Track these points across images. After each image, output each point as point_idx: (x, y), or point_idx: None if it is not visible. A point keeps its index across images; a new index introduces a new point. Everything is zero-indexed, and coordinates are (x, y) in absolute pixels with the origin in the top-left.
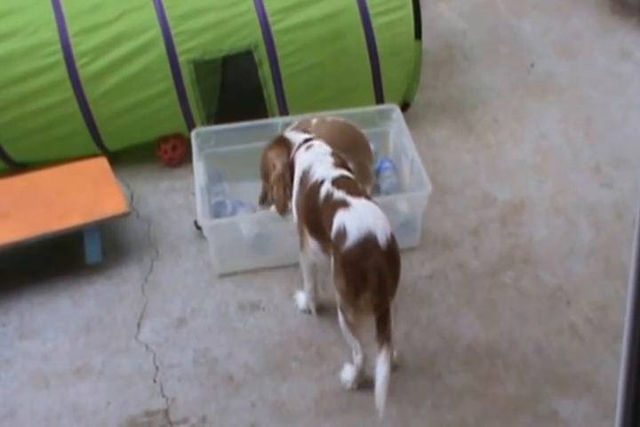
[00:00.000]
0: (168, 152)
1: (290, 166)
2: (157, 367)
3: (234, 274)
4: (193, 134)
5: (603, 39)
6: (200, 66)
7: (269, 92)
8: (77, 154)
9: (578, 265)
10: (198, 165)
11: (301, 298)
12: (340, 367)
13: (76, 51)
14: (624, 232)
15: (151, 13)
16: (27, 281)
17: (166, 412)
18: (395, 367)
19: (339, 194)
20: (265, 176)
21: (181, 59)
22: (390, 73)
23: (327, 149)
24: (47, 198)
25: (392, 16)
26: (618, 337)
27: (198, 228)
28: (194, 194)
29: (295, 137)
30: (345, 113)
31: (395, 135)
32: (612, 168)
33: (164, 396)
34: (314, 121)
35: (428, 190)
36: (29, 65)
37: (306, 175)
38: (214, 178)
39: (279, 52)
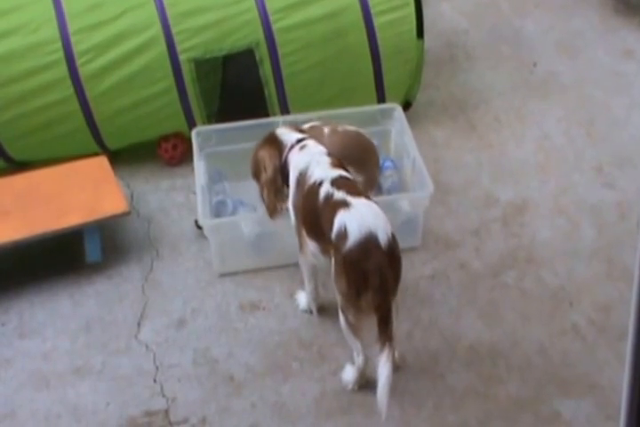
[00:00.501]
0: (168, 151)
1: (282, 168)
2: (157, 367)
3: (234, 274)
4: (193, 133)
5: (606, 38)
6: (201, 64)
7: (270, 90)
8: (77, 153)
9: (580, 266)
10: (199, 164)
11: (302, 298)
12: (341, 368)
13: (76, 49)
14: (627, 233)
15: (152, 11)
16: (26, 280)
17: (166, 412)
18: (396, 368)
19: (339, 194)
20: (255, 175)
21: (182, 57)
22: (392, 72)
23: (322, 148)
24: (47, 197)
25: (394, 15)
26: (621, 338)
27: (199, 227)
28: (194, 193)
29: (287, 137)
30: (346, 112)
31: (396, 134)
32: (614, 168)
33: (164, 396)
34: (326, 130)
35: (430, 190)
36: (30, 63)
37: (303, 176)
38: (215, 177)
39: (280, 51)
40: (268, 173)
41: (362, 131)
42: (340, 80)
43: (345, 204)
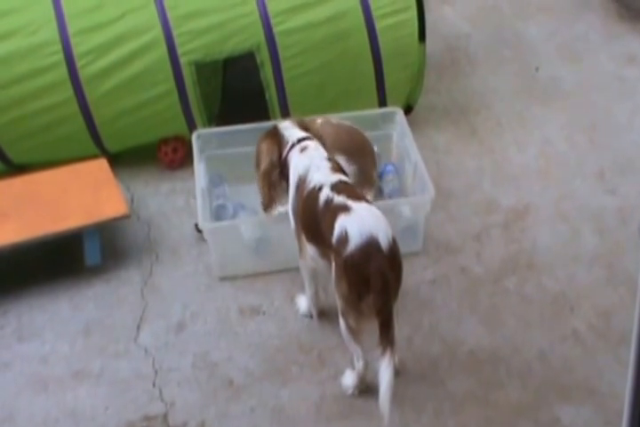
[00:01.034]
0: (169, 154)
1: (282, 165)
2: (156, 371)
3: (234, 278)
4: (194, 136)
5: (609, 44)
6: (201, 67)
7: (271, 94)
8: (77, 155)
9: (581, 271)
10: (199, 167)
11: (303, 302)
12: (340, 372)
13: (76, 51)
14: (628, 239)
15: (152, 14)
16: (25, 283)
17: (165, 416)
18: (396, 373)
19: (339, 199)
20: (256, 167)
21: (183, 60)
22: (393, 76)
23: (322, 152)
24: (47, 200)
25: (396, 18)
26: (621, 344)
27: (199, 231)
28: (194, 197)
29: (289, 133)
30: (348, 116)
31: (398, 139)
32: (616, 174)
33: (162, 400)
34: (319, 121)
35: (431, 194)
36: (29, 65)
37: (302, 181)
38: (215, 180)
39: (281, 55)
40: (262, 166)
41: (354, 125)
42: (341, 84)
43: (345, 208)
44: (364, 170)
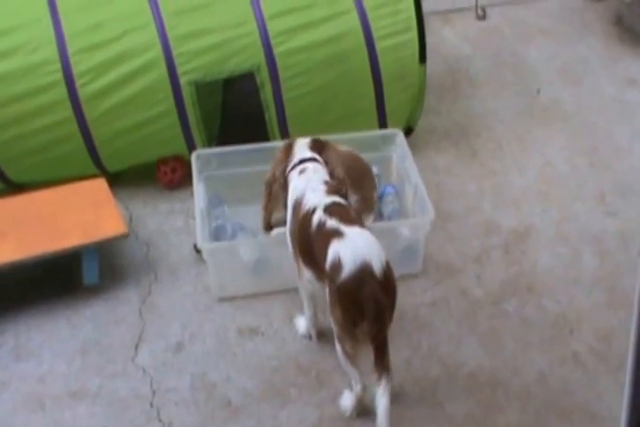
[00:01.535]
0: (167, 174)
1: (284, 180)
2: (154, 391)
3: (233, 298)
4: (193, 156)
5: (609, 66)
6: (201, 87)
7: (271, 115)
8: (76, 175)
9: (582, 294)
10: (198, 187)
11: (302, 323)
12: (339, 394)
13: (76, 70)
14: (628, 261)
15: (152, 33)
16: (23, 302)
17: None
18: (394, 396)
19: (331, 223)
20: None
21: (182, 80)
22: (394, 97)
23: (322, 175)
24: (45, 219)
25: (396, 39)
26: (621, 367)
27: (198, 251)
28: (193, 218)
29: (298, 150)
30: (348, 137)
31: (398, 160)
32: (616, 197)
33: (160, 420)
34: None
35: (431, 216)
36: (29, 84)
37: (298, 204)
38: (214, 201)
39: (281, 75)
40: (266, 176)
41: (355, 152)
42: (341, 105)
43: (338, 233)
44: (365, 197)
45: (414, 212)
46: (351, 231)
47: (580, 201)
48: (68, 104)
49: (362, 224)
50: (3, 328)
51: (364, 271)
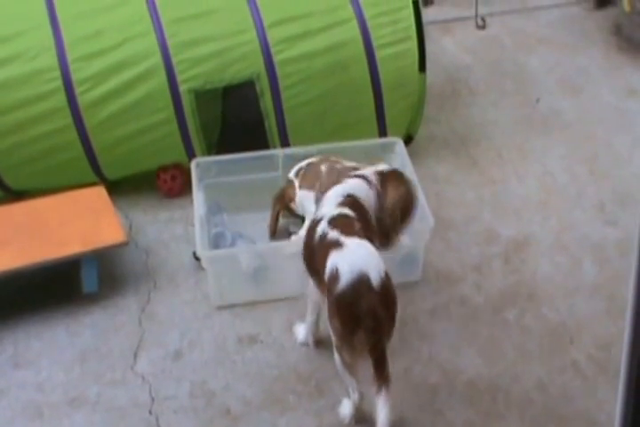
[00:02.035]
0: (167, 182)
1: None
2: (153, 399)
3: (232, 306)
4: (193, 164)
5: (609, 76)
6: (201, 95)
7: (271, 123)
8: (76, 182)
9: (581, 302)
10: (198, 195)
11: (301, 330)
12: (338, 402)
13: (75, 77)
14: (628, 270)
15: (152, 41)
16: (22, 310)
17: None
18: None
19: (333, 234)
20: None
21: (182, 88)
22: (394, 106)
23: (348, 188)
24: (45, 226)
25: (396, 48)
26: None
27: (197, 259)
28: (193, 225)
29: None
30: (347, 146)
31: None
32: (616, 206)
33: None
34: (323, 169)
35: (430, 224)
36: (28, 91)
37: (315, 213)
38: (214, 209)
39: (281, 84)
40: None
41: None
42: (341, 113)
43: (337, 244)
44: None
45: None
46: (350, 243)
47: (580, 210)
48: (67, 112)
49: (363, 236)
50: (1, 336)
51: (361, 283)
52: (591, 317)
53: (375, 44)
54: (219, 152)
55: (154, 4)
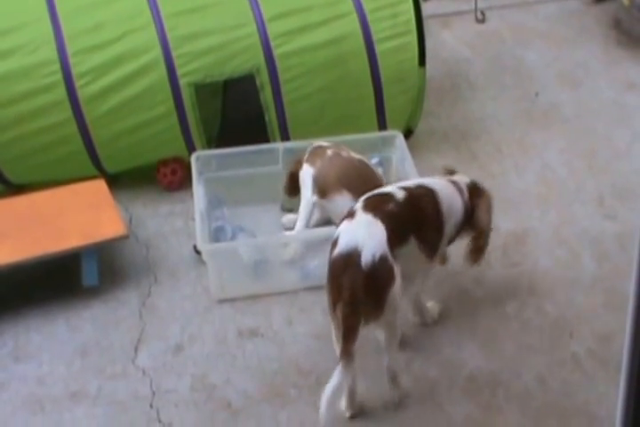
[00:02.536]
0: (167, 176)
1: None
2: (154, 393)
3: (233, 300)
4: (193, 158)
5: (608, 70)
6: (201, 89)
7: (271, 116)
8: (75, 176)
9: (581, 296)
10: (198, 189)
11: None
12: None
13: (75, 71)
14: (627, 264)
15: (152, 34)
16: (22, 304)
17: None
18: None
19: (358, 205)
20: None
21: (182, 81)
22: (393, 99)
23: (420, 181)
24: (45, 220)
25: (396, 42)
26: (620, 369)
27: (197, 252)
28: (193, 219)
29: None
30: (347, 139)
31: (397, 162)
32: (615, 199)
33: (160, 421)
34: (329, 152)
35: None
36: (28, 84)
37: None
38: (214, 202)
39: (281, 77)
40: None
41: (368, 161)
42: (341, 107)
43: (352, 215)
44: None
45: None
46: (362, 217)
47: (579, 204)
48: (67, 105)
49: (380, 214)
50: (2, 330)
51: (350, 257)
52: (591, 310)
53: (375, 37)
54: (219, 146)
55: None
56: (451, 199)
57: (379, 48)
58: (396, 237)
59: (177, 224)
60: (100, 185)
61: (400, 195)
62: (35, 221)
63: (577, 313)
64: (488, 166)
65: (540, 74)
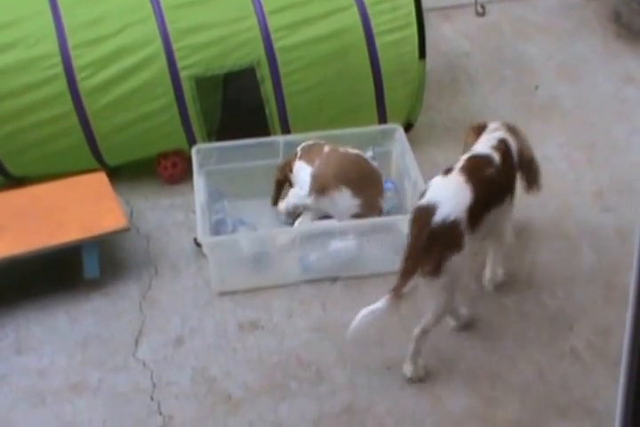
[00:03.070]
0: (168, 169)
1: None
2: (155, 385)
3: (233, 292)
4: (194, 151)
5: (608, 63)
6: (202, 82)
7: (271, 109)
8: (76, 168)
9: (580, 289)
10: (199, 182)
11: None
12: (339, 388)
13: (76, 64)
14: (626, 257)
15: (153, 27)
16: (24, 296)
17: None
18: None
19: (457, 165)
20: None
21: (183, 74)
22: (393, 92)
23: (500, 134)
24: (45, 212)
25: (396, 35)
26: (619, 362)
27: (198, 245)
28: (194, 212)
29: (490, 125)
30: (347, 132)
31: (397, 156)
32: (614, 193)
33: (161, 414)
34: (326, 149)
35: None
36: (29, 77)
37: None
38: (215, 195)
39: (282, 70)
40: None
41: (365, 155)
42: (341, 100)
43: (447, 173)
44: (369, 202)
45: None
46: (454, 177)
47: (579, 197)
48: (68, 98)
49: (474, 181)
50: (3, 322)
51: (426, 210)
52: (590, 303)
53: (375, 30)
54: (219, 139)
55: None
56: (514, 147)
57: (379, 41)
58: (492, 201)
59: (178, 217)
60: (101, 178)
61: (497, 157)
62: (35, 214)
63: (576, 306)
64: None
65: (539, 67)
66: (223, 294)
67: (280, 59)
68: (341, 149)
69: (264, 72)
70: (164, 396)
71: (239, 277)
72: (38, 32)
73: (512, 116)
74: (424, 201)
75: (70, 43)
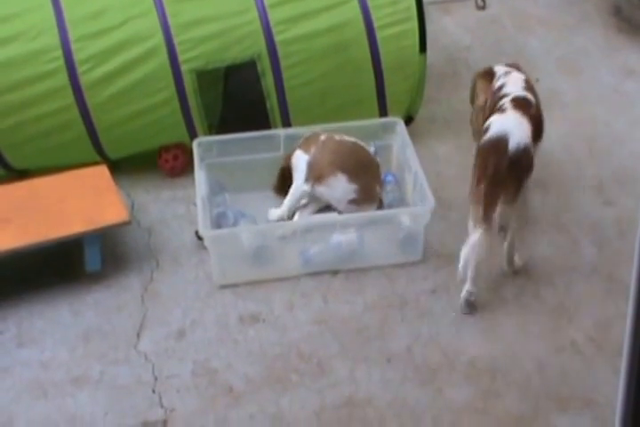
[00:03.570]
0: (169, 161)
1: (492, 95)
2: (156, 378)
3: (234, 285)
4: (195, 144)
5: (608, 57)
6: (203, 75)
7: (272, 103)
8: (77, 161)
9: (580, 282)
10: (200, 175)
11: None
12: (340, 381)
13: (77, 57)
14: (626, 250)
15: (154, 21)
16: (25, 289)
17: (165, 422)
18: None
19: (507, 105)
20: (471, 101)
21: (184, 67)
22: (394, 86)
23: (522, 76)
24: (47, 206)
25: (397, 29)
26: (619, 355)
27: (199, 238)
28: (195, 204)
29: (498, 69)
30: (348, 126)
31: (398, 149)
32: (614, 186)
33: (162, 406)
34: (322, 137)
35: (431, 205)
36: (30, 71)
37: (497, 91)
38: (216, 188)
39: (282, 63)
40: (479, 101)
41: (360, 142)
42: (341, 94)
43: (503, 110)
44: (366, 188)
45: (414, 200)
46: (512, 113)
47: (579, 189)
48: (69, 91)
49: (527, 115)
50: (5, 315)
51: (499, 141)
52: (589, 296)
53: (376, 24)
54: (220, 132)
55: None
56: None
57: (379, 35)
58: (535, 139)
59: (179, 210)
60: (103, 171)
61: (532, 98)
62: (37, 207)
63: (576, 299)
64: None
65: (540, 60)
66: (224, 286)
67: (281, 52)
68: (337, 137)
69: (265, 65)
70: (166, 388)
71: (240, 269)
72: (39, 25)
73: None
74: (493, 134)
75: (71, 36)
